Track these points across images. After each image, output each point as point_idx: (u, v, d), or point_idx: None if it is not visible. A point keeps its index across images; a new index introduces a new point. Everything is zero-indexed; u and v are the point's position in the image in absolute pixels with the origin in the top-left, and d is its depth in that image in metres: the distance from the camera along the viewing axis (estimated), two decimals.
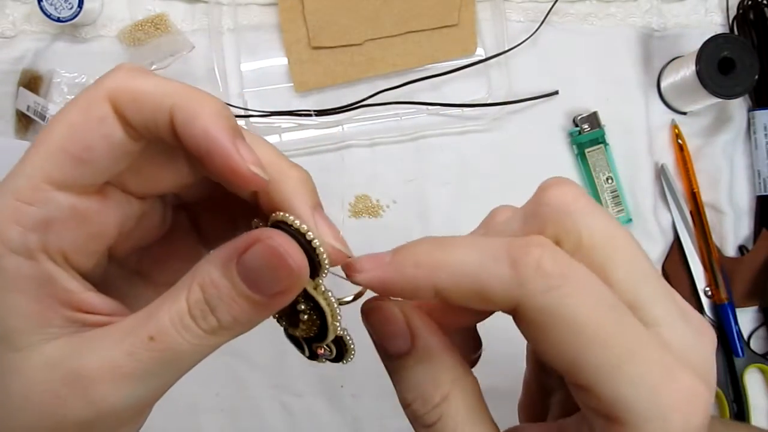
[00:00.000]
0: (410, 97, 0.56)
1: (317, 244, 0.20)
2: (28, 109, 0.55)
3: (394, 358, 0.22)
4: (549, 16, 0.57)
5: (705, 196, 0.58)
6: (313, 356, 0.24)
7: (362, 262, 0.21)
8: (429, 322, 0.22)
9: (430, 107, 0.56)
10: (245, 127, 0.56)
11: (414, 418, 0.22)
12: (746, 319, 0.58)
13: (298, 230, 0.20)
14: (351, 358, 0.24)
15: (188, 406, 0.55)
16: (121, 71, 0.20)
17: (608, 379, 0.18)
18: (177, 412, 0.55)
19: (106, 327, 0.20)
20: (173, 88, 0.20)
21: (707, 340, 0.21)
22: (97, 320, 0.21)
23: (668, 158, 0.58)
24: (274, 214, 0.21)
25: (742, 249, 0.58)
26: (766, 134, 0.57)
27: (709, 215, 0.58)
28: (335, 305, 0.22)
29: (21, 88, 0.55)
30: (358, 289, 0.22)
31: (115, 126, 0.20)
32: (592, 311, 0.19)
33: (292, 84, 0.57)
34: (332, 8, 0.56)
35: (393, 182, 0.57)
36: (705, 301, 0.56)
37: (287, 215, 0.21)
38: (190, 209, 0.26)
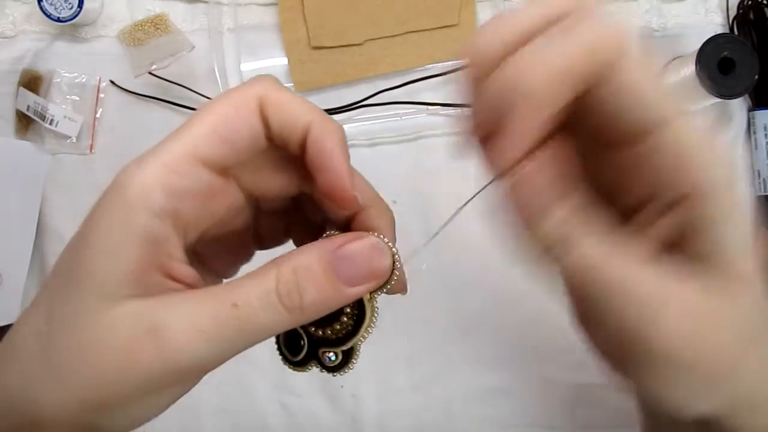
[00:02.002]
0: (410, 97, 0.56)
1: (399, 265, 0.24)
2: (28, 109, 0.55)
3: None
4: None
5: None
6: (304, 362, 0.26)
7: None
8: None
9: (430, 107, 0.56)
10: None
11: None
12: None
13: (389, 248, 0.24)
14: (348, 371, 0.26)
15: (188, 406, 0.55)
16: (269, 81, 0.24)
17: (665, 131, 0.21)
18: (177, 412, 0.55)
19: (189, 290, 0.22)
20: (312, 108, 0.24)
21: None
22: (180, 288, 0.23)
23: None
24: (370, 233, 0.24)
25: None
26: (766, 134, 0.57)
27: None
28: (375, 318, 0.24)
29: (21, 88, 0.55)
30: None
31: (258, 122, 0.23)
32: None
33: (292, 84, 0.57)
34: (332, 8, 0.56)
35: (393, 182, 0.57)
36: None
37: (382, 236, 0.24)
38: (260, 213, 0.28)
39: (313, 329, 0.25)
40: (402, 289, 0.25)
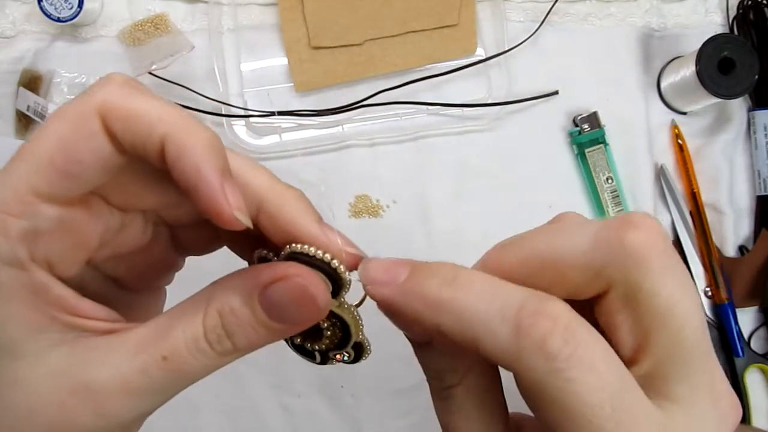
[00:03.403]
0: (410, 97, 0.56)
1: (342, 270, 0.21)
2: (28, 109, 0.55)
3: (417, 344, 0.24)
4: (549, 16, 0.57)
5: (705, 196, 0.58)
6: (325, 362, 0.24)
7: (374, 271, 0.22)
8: None
9: (430, 107, 0.56)
10: (245, 127, 0.56)
11: (432, 390, 0.24)
12: (746, 319, 0.58)
13: (321, 260, 0.21)
14: (368, 356, 0.25)
15: (188, 406, 0.55)
16: (114, 84, 0.20)
17: None
18: (177, 412, 0.55)
19: (111, 337, 0.21)
20: (167, 114, 0.19)
21: (729, 421, 0.20)
22: (96, 326, 0.21)
23: (668, 158, 0.58)
24: (290, 246, 0.21)
25: (742, 249, 0.58)
26: (766, 134, 0.57)
27: (709, 215, 0.58)
28: (358, 317, 0.23)
29: (21, 88, 0.55)
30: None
31: (104, 141, 0.19)
32: (592, 396, 0.18)
33: (292, 84, 0.57)
34: (332, 8, 0.56)
35: (393, 182, 0.57)
36: (705, 301, 0.56)
37: (306, 247, 0.21)
38: (170, 222, 0.26)
39: (308, 345, 0.24)
40: (364, 273, 0.22)
